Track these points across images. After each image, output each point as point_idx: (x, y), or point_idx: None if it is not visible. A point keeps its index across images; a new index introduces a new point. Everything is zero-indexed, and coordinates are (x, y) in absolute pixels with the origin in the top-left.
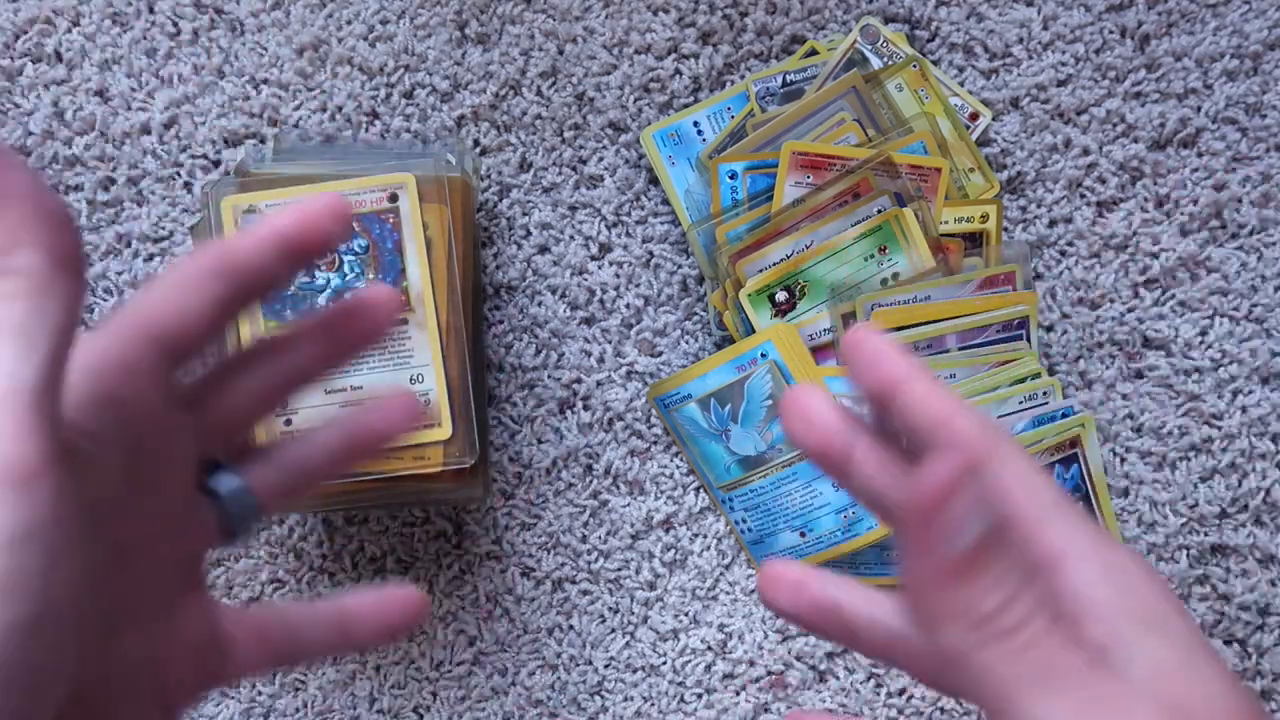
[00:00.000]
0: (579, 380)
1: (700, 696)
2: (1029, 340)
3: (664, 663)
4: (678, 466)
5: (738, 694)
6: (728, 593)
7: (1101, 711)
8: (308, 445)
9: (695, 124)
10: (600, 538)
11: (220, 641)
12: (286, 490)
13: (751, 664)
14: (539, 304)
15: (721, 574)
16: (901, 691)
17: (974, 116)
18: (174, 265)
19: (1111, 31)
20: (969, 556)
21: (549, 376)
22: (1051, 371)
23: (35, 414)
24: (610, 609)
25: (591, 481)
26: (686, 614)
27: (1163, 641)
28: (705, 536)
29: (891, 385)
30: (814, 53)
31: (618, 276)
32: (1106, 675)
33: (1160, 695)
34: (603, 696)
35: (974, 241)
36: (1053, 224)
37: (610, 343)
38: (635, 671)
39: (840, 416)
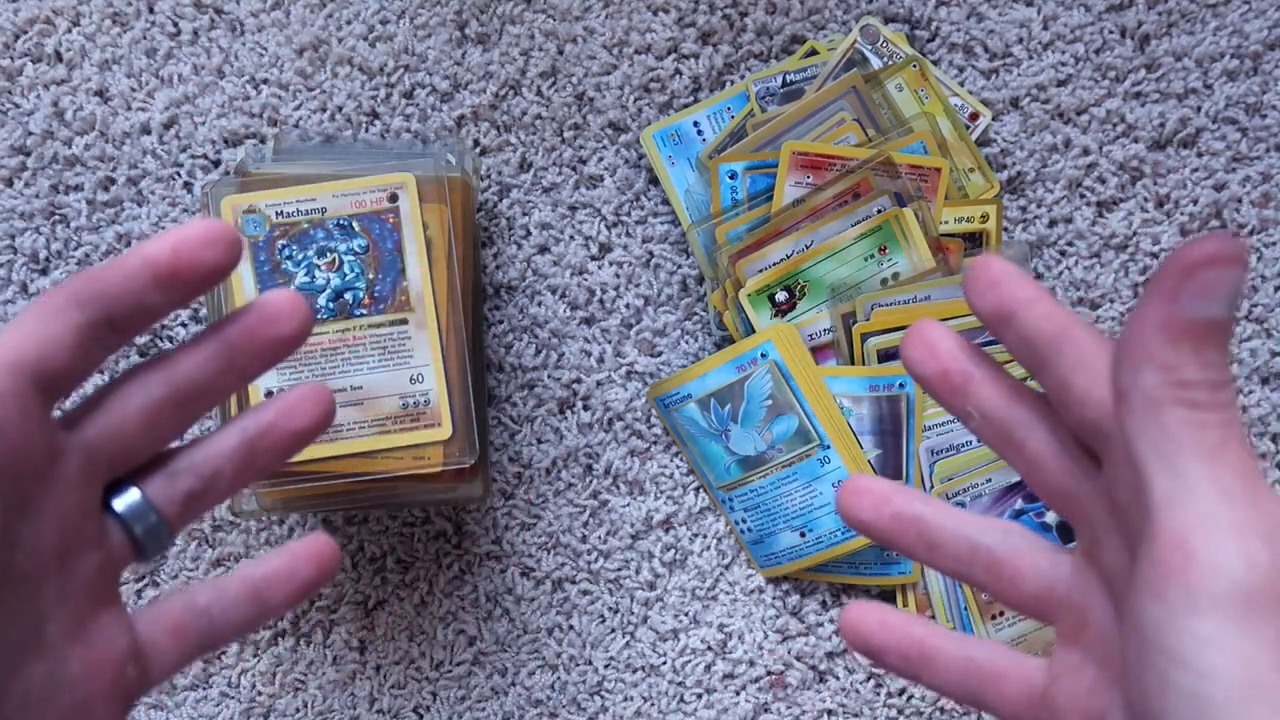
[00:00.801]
0: (579, 380)
1: (700, 696)
2: None
3: (664, 663)
4: (678, 466)
5: (738, 694)
6: (728, 593)
7: (1249, 510)
8: (207, 449)
9: (695, 124)
10: (600, 538)
11: (140, 651)
12: (193, 499)
13: (751, 664)
14: (539, 304)
15: (721, 574)
16: (901, 691)
17: (974, 116)
18: (42, 295)
19: (1111, 31)
20: (1206, 325)
21: (549, 376)
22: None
23: None
24: (610, 609)
25: (591, 481)
26: (686, 614)
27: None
28: (705, 536)
29: (1013, 305)
30: (814, 53)
31: (618, 276)
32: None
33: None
34: (603, 696)
35: (974, 241)
36: (1053, 224)
37: (610, 343)
38: (635, 671)
39: (961, 344)
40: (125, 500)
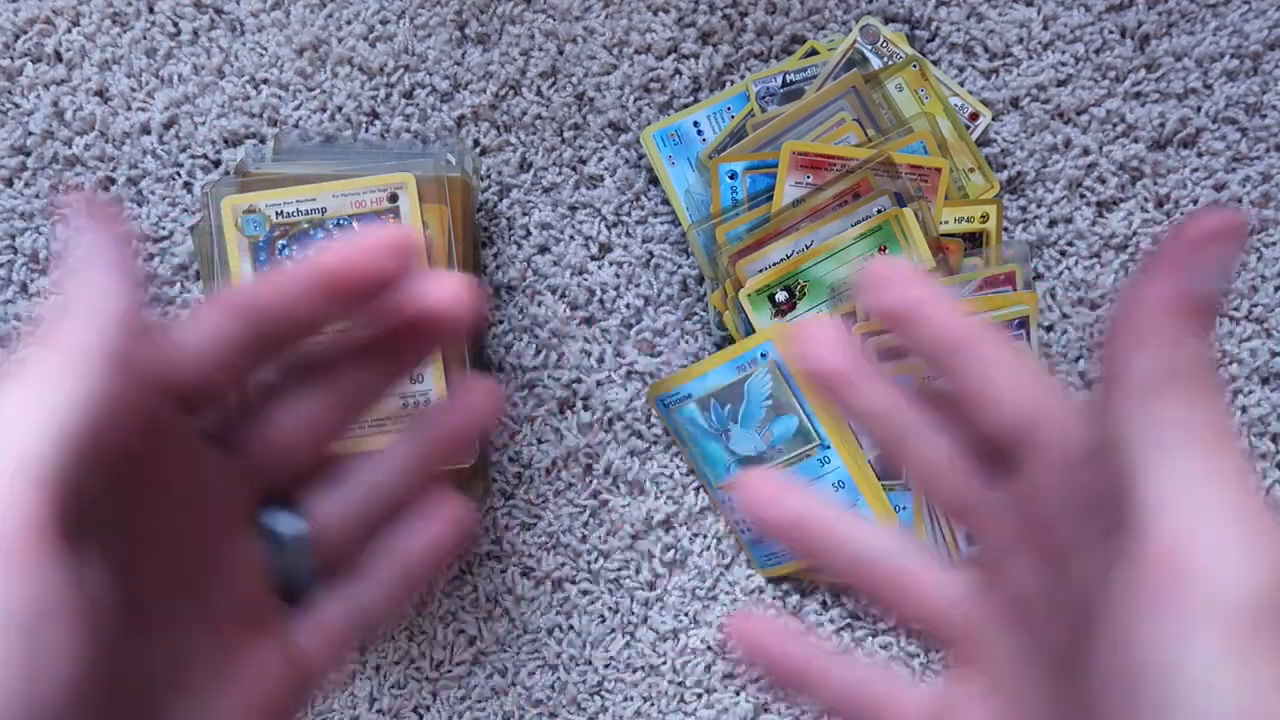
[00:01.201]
0: (579, 380)
1: (700, 696)
2: (1029, 340)
3: (664, 663)
4: (678, 466)
5: (738, 694)
6: (728, 593)
7: (1246, 512)
8: (383, 465)
9: (695, 124)
10: (600, 538)
11: (299, 670)
12: (360, 522)
13: (752, 664)
14: (539, 304)
15: (721, 574)
16: None
17: (974, 116)
18: (197, 306)
19: (1111, 31)
20: (1205, 301)
21: (549, 376)
22: (1051, 372)
23: (39, 489)
24: (610, 609)
25: (591, 481)
26: (686, 614)
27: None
28: (705, 536)
29: (913, 306)
30: (814, 53)
31: (618, 276)
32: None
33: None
34: (603, 696)
35: (974, 241)
36: (1053, 224)
37: (610, 343)
38: (635, 671)
39: (846, 340)
40: (290, 527)
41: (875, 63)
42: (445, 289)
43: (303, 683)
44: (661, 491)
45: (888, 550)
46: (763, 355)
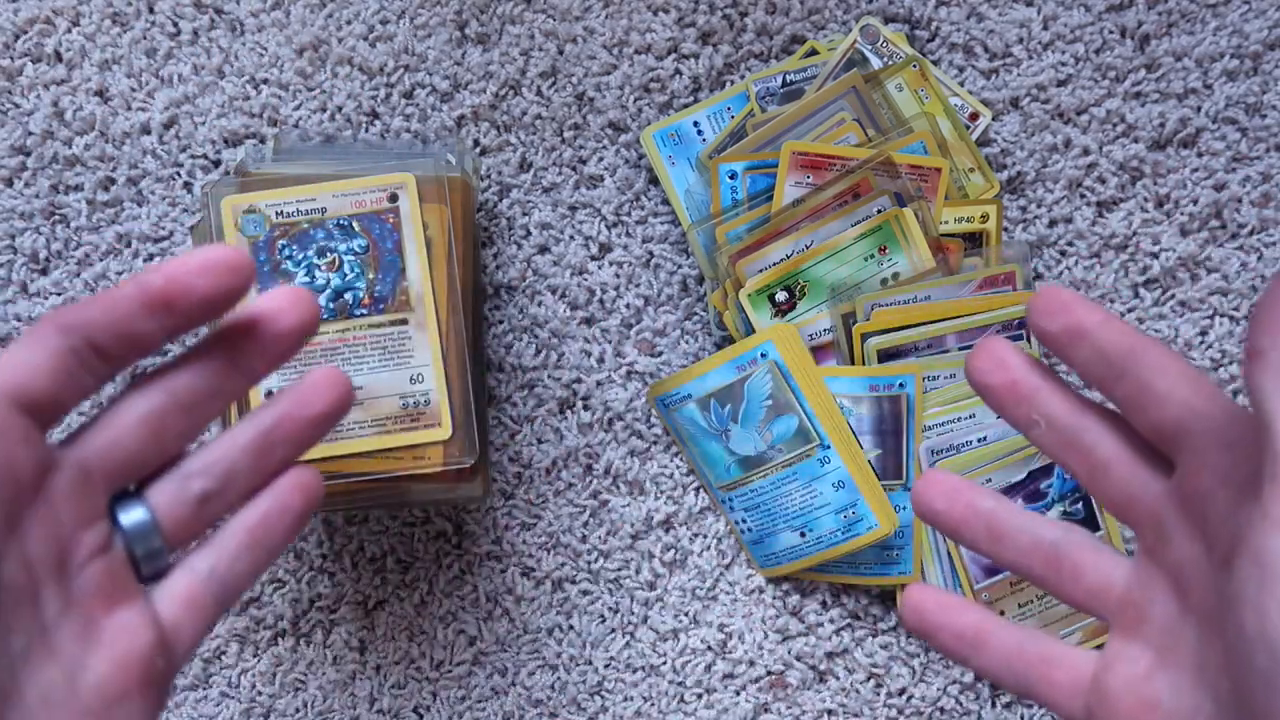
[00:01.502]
0: (579, 380)
1: (700, 696)
2: (1029, 340)
3: (664, 663)
4: (678, 466)
5: (738, 694)
6: (728, 593)
7: None
8: (220, 447)
9: (695, 124)
10: (600, 538)
11: (165, 638)
12: (207, 500)
13: (751, 664)
14: (539, 304)
15: (721, 574)
16: (901, 691)
17: (974, 116)
18: (30, 325)
19: (1111, 31)
20: None
21: (549, 376)
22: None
23: None
24: (610, 609)
25: (591, 481)
26: (686, 614)
27: None
28: (705, 536)
29: (1087, 325)
30: (814, 53)
31: (618, 276)
32: None
33: None
34: (603, 696)
35: (974, 241)
36: (1053, 224)
37: (610, 343)
38: (635, 671)
39: (1029, 359)
40: (132, 517)
41: (875, 63)
42: (274, 301)
43: (171, 643)
44: (661, 491)
45: (1051, 538)
46: (763, 355)
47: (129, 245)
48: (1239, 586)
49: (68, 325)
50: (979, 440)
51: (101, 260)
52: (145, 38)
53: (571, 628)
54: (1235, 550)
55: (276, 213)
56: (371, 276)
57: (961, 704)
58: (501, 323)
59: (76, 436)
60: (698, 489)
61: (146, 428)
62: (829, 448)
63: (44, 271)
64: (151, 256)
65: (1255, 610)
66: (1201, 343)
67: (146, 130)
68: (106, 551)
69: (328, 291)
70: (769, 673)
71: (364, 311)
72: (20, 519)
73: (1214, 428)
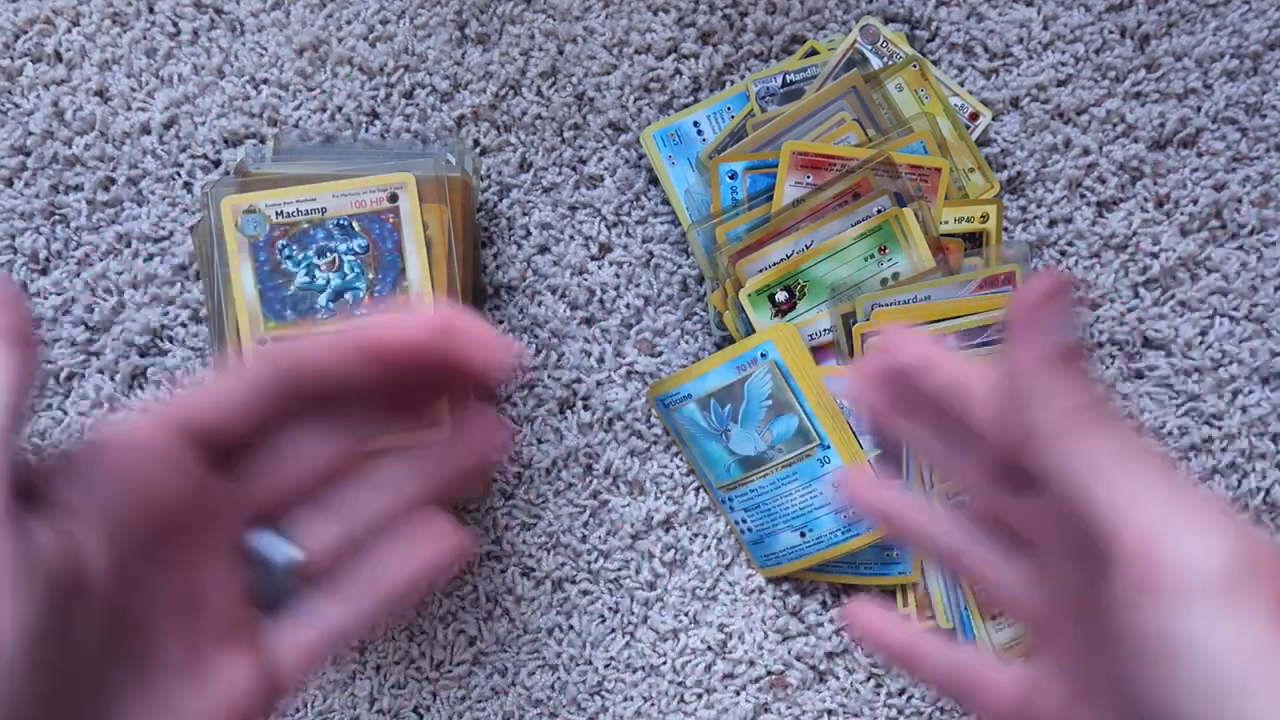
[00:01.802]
0: (579, 380)
1: (700, 696)
2: None
3: (664, 663)
4: (678, 466)
5: (738, 694)
6: (728, 593)
7: (1187, 501)
8: (380, 500)
9: (695, 124)
10: (600, 538)
11: (268, 686)
12: (346, 553)
13: (751, 664)
14: (539, 304)
15: (721, 574)
16: (901, 691)
17: (974, 116)
18: (249, 359)
19: (1111, 31)
20: (1072, 349)
21: (549, 376)
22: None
23: None
24: (610, 609)
25: (591, 481)
26: (686, 614)
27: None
28: (705, 536)
29: (916, 363)
30: (814, 53)
31: (618, 276)
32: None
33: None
34: (603, 696)
35: (974, 241)
36: (1053, 224)
37: (610, 343)
38: (635, 671)
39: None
40: (282, 554)
41: (875, 63)
42: (481, 344)
43: (271, 693)
44: (661, 491)
45: (962, 543)
46: (763, 355)
47: (129, 245)
48: (1108, 660)
49: (285, 367)
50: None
51: (101, 260)
52: (145, 38)
53: (571, 628)
54: (1090, 615)
55: (276, 213)
56: (371, 276)
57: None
58: (501, 323)
59: (237, 461)
60: (698, 489)
61: (310, 464)
62: (829, 448)
63: (44, 271)
64: (151, 257)
65: (1138, 688)
66: (1201, 342)
67: (146, 130)
68: (233, 585)
69: (328, 291)
70: (769, 673)
71: (364, 312)
72: (166, 554)
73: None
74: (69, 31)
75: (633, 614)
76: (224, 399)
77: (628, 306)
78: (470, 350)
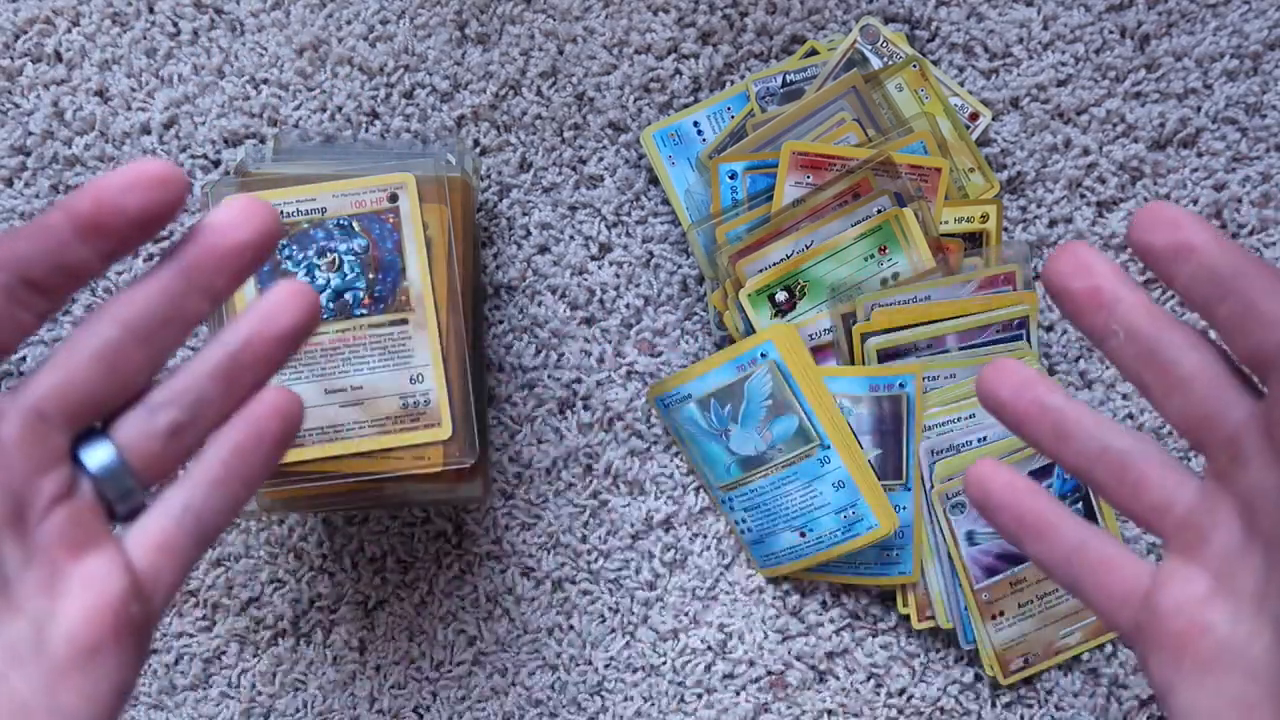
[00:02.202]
0: (579, 380)
1: (700, 696)
2: (1029, 340)
3: (664, 663)
4: (678, 466)
5: (738, 694)
6: (728, 593)
7: None
8: (187, 375)
9: (695, 124)
10: (600, 538)
11: (140, 585)
12: (178, 431)
13: (751, 664)
14: (539, 304)
15: (721, 574)
16: (901, 691)
17: (974, 116)
18: None
19: (1111, 31)
20: None
21: (549, 376)
22: (1051, 371)
23: None
24: (610, 609)
25: (591, 481)
26: (686, 614)
27: None
28: (705, 536)
29: (1195, 241)
30: (814, 53)
31: (618, 276)
32: None
33: None
34: (603, 696)
35: (974, 241)
36: (1053, 224)
37: (610, 343)
38: (635, 671)
39: (1115, 267)
40: (98, 458)
41: (875, 63)
42: (226, 214)
43: (147, 589)
44: (661, 491)
45: (1121, 446)
46: (763, 355)
47: None
48: None
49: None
50: (979, 440)
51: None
52: (145, 38)
53: (571, 628)
54: None
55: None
56: (371, 276)
57: (961, 704)
58: (501, 323)
59: (26, 380)
60: (698, 489)
61: (102, 363)
62: (829, 448)
63: None
64: (151, 256)
65: None
66: None
67: (146, 130)
68: (70, 497)
69: (328, 291)
70: (769, 673)
71: (364, 311)
72: None
73: None
74: (69, 31)
75: (633, 614)
76: None
77: (628, 306)
78: (167, 200)
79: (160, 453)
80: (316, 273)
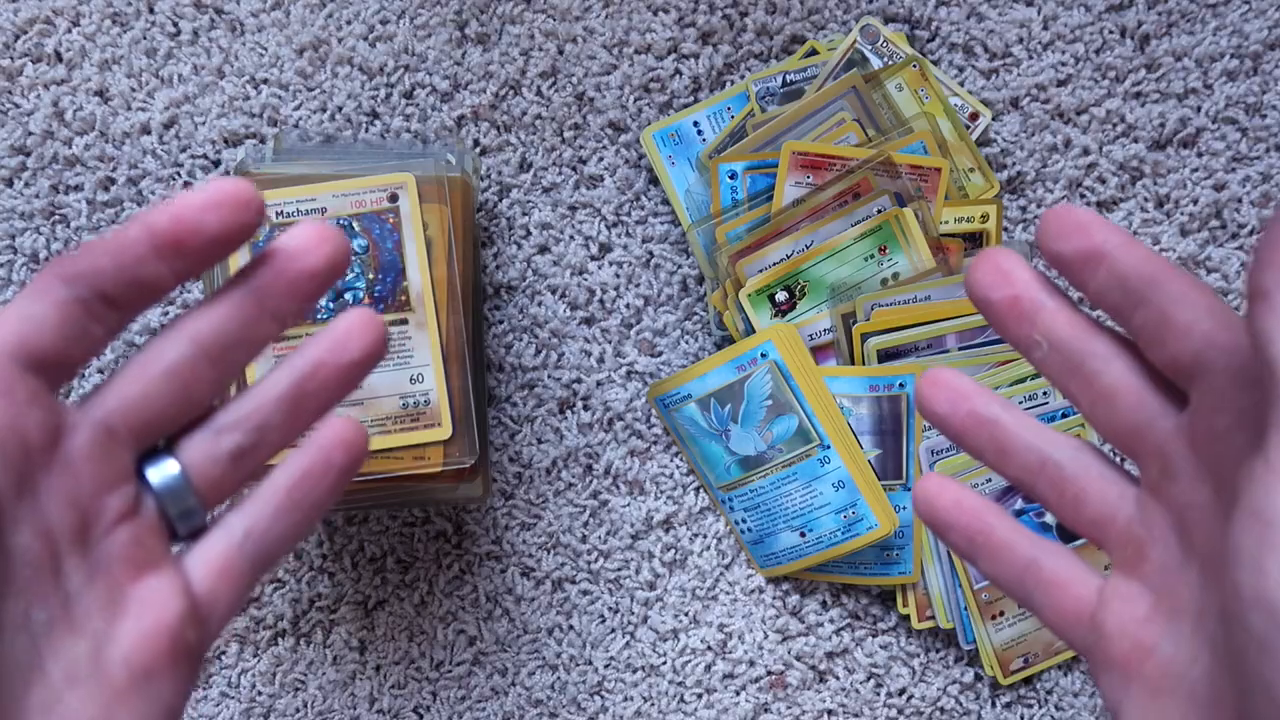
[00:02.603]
0: (579, 380)
1: (700, 696)
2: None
3: (664, 663)
4: (678, 466)
5: (738, 694)
6: (728, 593)
7: None
8: (253, 399)
9: (695, 124)
10: (600, 538)
11: (197, 608)
12: (241, 456)
13: (751, 664)
14: (539, 304)
15: (721, 574)
16: (901, 691)
17: (974, 116)
18: (31, 279)
19: (1111, 31)
20: None
21: (549, 376)
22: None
23: None
24: (610, 609)
25: (591, 481)
26: (686, 614)
27: None
28: (705, 536)
29: (1106, 247)
30: (814, 53)
31: (618, 276)
32: None
33: None
34: (603, 696)
35: (974, 241)
36: None
37: (610, 343)
38: (635, 671)
39: (1035, 273)
40: (162, 474)
41: (875, 63)
42: (299, 240)
43: (203, 613)
44: (661, 491)
45: (1060, 458)
46: (763, 355)
47: None
48: (1237, 540)
49: (73, 275)
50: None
51: None
52: (145, 38)
53: (571, 628)
54: (1236, 501)
55: (276, 213)
56: (371, 276)
57: (961, 704)
58: (501, 323)
59: (96, 394)
60: (698, 489)
61: (172, 381)
62: (829, 448)
63: None
64: None
65: (1253, 567)
66: None
67: (146, 130)
68: (134, 515)
69: (328, 291)
70: (769, 673)
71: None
72: (34, 485)
73: (1235, 365)
74: (69, 31)
75: (633, 614)
76: (33, 319)
77: (628, 306)
78: (245, 222)
79: (222, 476)
80: None
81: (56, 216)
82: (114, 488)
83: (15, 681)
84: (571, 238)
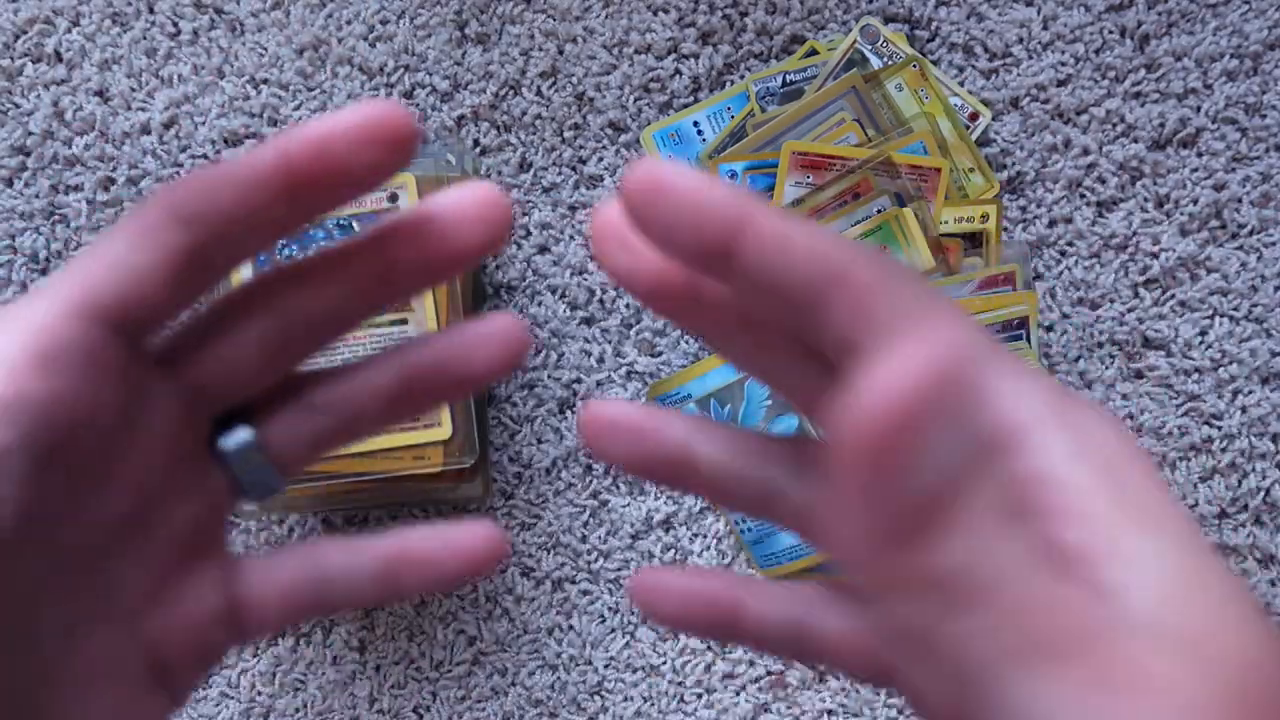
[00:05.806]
0: (579, 380)
1: (700, 696)
2: (1029, 340)
3: (664, 663)
4: None
5: (738, 694)
6: None
7: (1109, 691)
8: (355, 386)
9: (695, 124)
10: (600, 538)
11: (236, 610)
12: (323, 441)
13: (751, 664)
14: (539, 304)
15: None
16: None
17: (974, 116)
18: (130, 213)
19: (1111, 31)
20: (933, 497)
21: (549, 376)
22: (1051, 371)
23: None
24: (610, 609)
25: (591, 481)
26: None
27: (1160, 548)
28: (705, 536)
29: (731, 230)
30: (814, 53)
31: None
32: (1106, 625)
33: (1171, 638)
34: (603, 696)
35: (974, 241)
36: (1053, 224)
37: (610, 343)
38: (635, 671)
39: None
40: (235, 440)
41: (875, 63)
42: (459, 205)
43: (241, 622)
44: (661, 491)
45: (796, 613)
46: None
47: None
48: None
49: (193, 214)
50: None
51: None
52: (145, 38)
53: (571, 628)
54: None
55: None
56: None
57: None
58: None
59: (180, 353)
60: None
61: (266, 351)
62: None
63: (44, 271)
64: None
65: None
66: (1201, 342)
67: (146, 130)
68: (202, 488)
69: None
70: (769, 673)
71: None
72: (104, 476)
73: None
74: (69, 31)
75: (633, 614)
76: (132, 269)
77: (628, 306)
78: (396, 164)
79: (301, 456)
80: None
81: (56, 216)
82: (186, 459)
83: (40, 673)
84: (571, 238)
